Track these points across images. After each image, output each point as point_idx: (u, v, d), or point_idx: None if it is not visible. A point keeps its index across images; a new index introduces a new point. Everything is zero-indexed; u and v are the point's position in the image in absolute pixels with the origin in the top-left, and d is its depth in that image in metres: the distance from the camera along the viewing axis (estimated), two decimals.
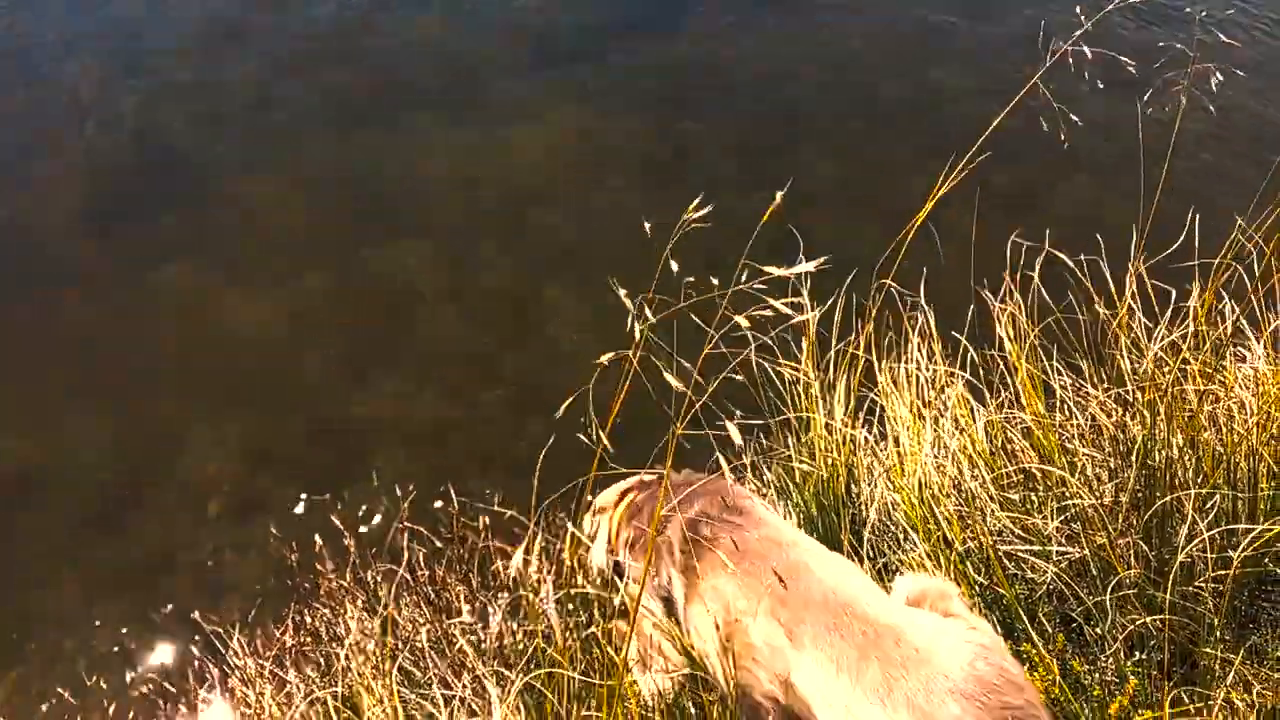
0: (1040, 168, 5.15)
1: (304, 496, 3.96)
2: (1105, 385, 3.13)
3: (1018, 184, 5.06)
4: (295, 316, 4.83)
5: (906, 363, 3.25)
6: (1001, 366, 3.21)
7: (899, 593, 2.58)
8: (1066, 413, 3.12)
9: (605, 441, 2.10)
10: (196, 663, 3.35)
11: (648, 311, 2.05)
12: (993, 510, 2.90)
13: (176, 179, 5.52)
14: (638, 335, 2.01)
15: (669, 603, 2.83)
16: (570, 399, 2.14)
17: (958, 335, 3.22)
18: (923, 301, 3.21)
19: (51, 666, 3.52)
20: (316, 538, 3.33)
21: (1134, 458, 2.77)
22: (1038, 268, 3.10)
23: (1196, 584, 2.52)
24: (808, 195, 5.05)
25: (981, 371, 3.26)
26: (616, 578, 3.12)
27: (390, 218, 5.32)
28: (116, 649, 3.58)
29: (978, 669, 2.16)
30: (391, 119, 5.88)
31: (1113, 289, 3.09)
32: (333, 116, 5.87)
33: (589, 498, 3.30)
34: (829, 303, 3.19)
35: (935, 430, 3.16)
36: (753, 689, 2.38)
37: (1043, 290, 3.10)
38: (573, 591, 3.11)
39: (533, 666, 2.74)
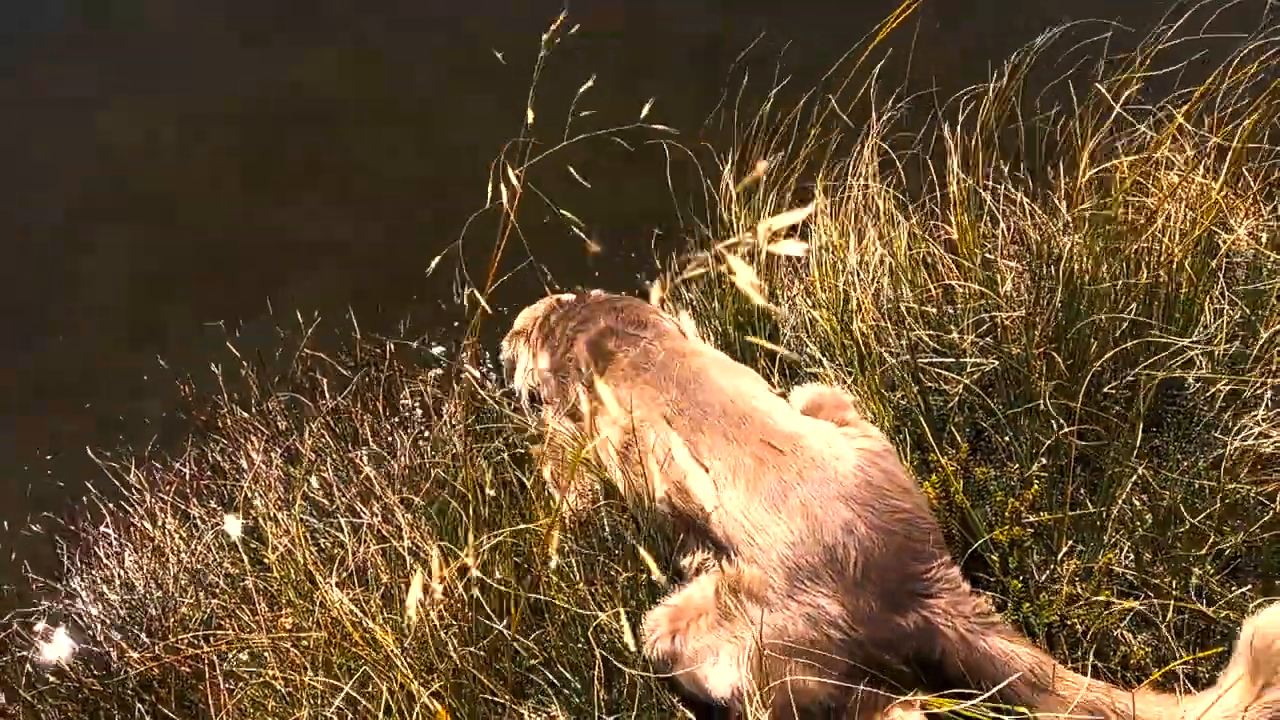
0: None
1: (200, 324, 3.75)
2: (1039, 197, 3.06)
3: None
4: (187, 128, 4.44)
5: (847, 176, 3.13)
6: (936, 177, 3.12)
7: (796, 402, 2.58)
8: (993, 224, 3.04)
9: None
10: (94, 499, 3.21)
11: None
12: (909, 325, 2.86)
13: None
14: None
15: (577, 417, 2.80)
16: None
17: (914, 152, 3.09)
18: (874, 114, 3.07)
19: None
20: (213, 367, 3.16)
21: (1055, 268, 2.72)
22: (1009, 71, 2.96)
23: (1105, 391, 2.53)
24: None
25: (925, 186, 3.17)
26: (533, 401, 3.07)
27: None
28: (5, 485, 3.42)
29: (869, 474, 2.19)
30: None
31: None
32: None
33: (519, 317, 3.20)
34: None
35: (858, 245, 3.08)
36: (650, 495, 2.38)
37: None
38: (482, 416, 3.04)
39: (443, 493, 2.69)
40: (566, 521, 2.71)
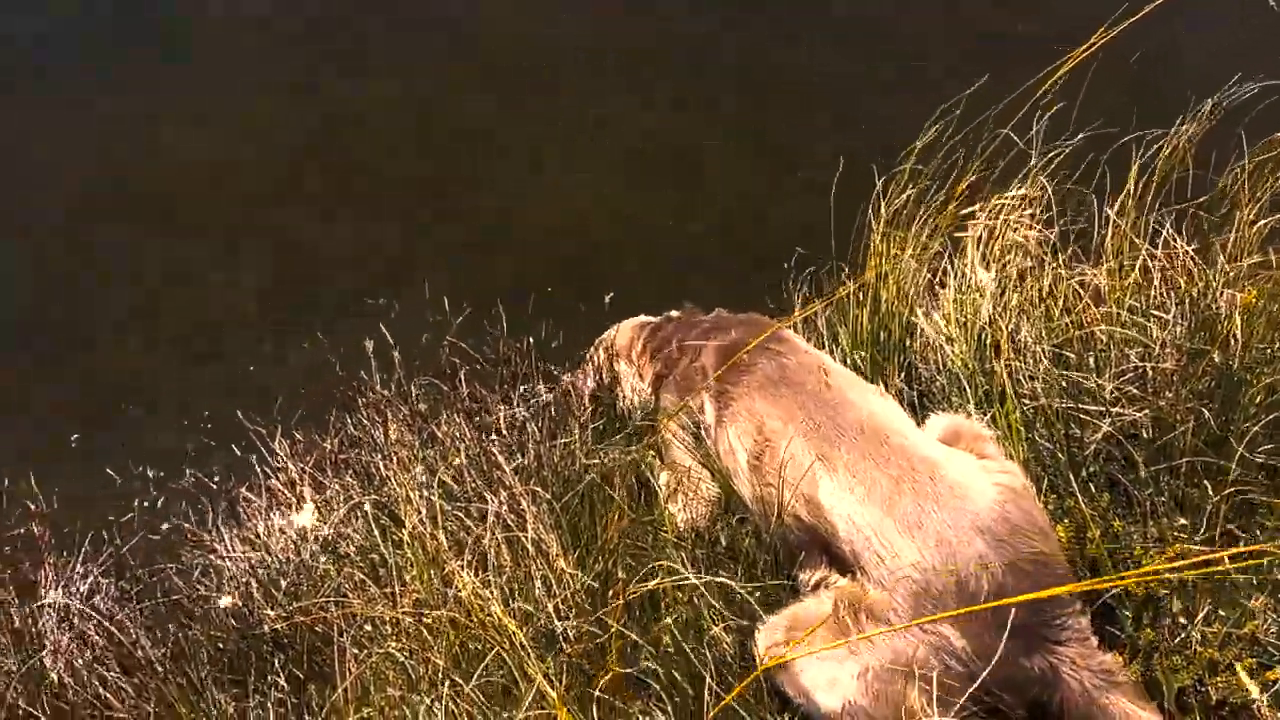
0: None
1: (351, 305, 3.95)
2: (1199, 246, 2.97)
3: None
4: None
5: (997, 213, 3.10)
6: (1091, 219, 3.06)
7: (933, 430, 2.56)
8: (1145, 269, 2.97)
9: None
10: (237, 461, 3.40)
11: None
12: (1049, 367, 2.81)
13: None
14: None
15: (700, 430, 2.83)
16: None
17: (1083, 189, 3.05)
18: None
19: (95, 459, 3.61)
20: (366, 344, 3.32)
21: (1211, 322, 2.64)
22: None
23: (1259, 455, 2.44)
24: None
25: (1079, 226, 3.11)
26: (644, 411, 3.11)
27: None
28: (162, 444, 3.65)
29: (1007, 511, 2.15)
30: None
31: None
32: None
33: (612, 331, 3.27)
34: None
35: (1000, 280, 3.04)
36: (779, 506, 2.39)
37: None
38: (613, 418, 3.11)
39: (566, 488, 2.76)
40: (683, 529, 2.75)
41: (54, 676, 2.60)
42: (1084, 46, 2.53)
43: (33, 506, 2.99)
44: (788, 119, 4.60)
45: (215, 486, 3.35)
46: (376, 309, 3.72)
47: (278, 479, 3.21)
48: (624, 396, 3.18)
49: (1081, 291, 3.00)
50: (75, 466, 3.56)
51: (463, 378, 3.27)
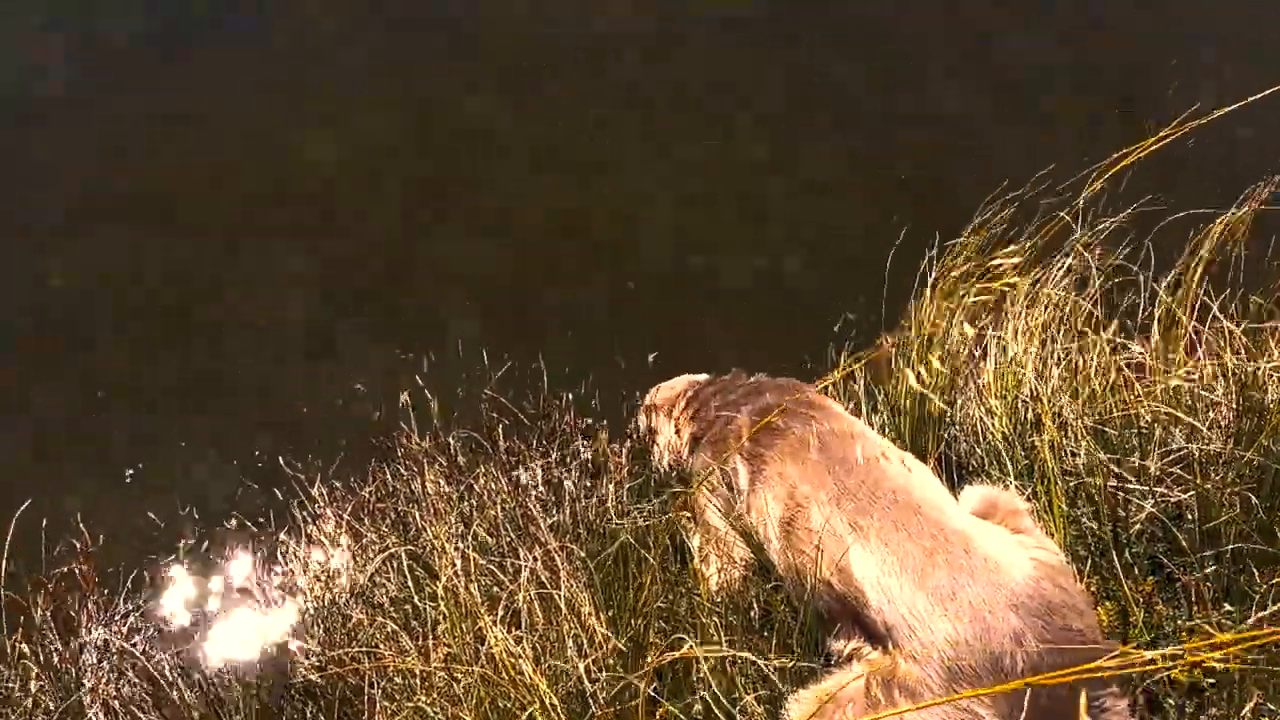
0: None
1: (392, 352, 4.01)
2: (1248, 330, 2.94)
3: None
4: (366, 155, 4.77)
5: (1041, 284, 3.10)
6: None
7: (967, 501, 2.53)
8: (1192, 351, 2.94)
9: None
10: (278, 504, 3.45)
11: None
12: (1090, 445, 2.78)
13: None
14: None
15: (732, 492, 2.82)
16: None
17: (1130, 265, 3.04)
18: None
19: (143, 490, 3.68)
20: (404, 397, 3.36)
21: (1259, 408, 2.60)
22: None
23: None
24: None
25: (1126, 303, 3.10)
26: (679, 471, 3.12)
27: (467, 58, 5.18)
28: (204, 480, 3.72)
29: (1043, 587, 2.12)
30: None
31: None
32: None
33: (653, 391, 3.29)
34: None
35: (1043, 354, 3.03)
36: (809, 572, 2.37)
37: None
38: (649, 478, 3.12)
39: (601, 546, 2.76)
40: (716, 592, 2.73)
41: (91, 717, 2.62)
42: (1156, 137, 2.53)
43: (78, 544, 3.04)
44: (836, 175, 4.64)
45: (256, 529, 3.39)
46: (415, 359, 3.76)
47: (317, 526, 3.25)
48: (660, 453, 3.20)
49: (1126, 368, 2.98)
50: (123, 502, 3.62)
51: (501, 431, 3.30)
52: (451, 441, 3.30)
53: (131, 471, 3.74)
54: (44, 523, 3.01)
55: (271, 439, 3.78)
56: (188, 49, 5.24)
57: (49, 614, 2.85)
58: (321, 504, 3.31)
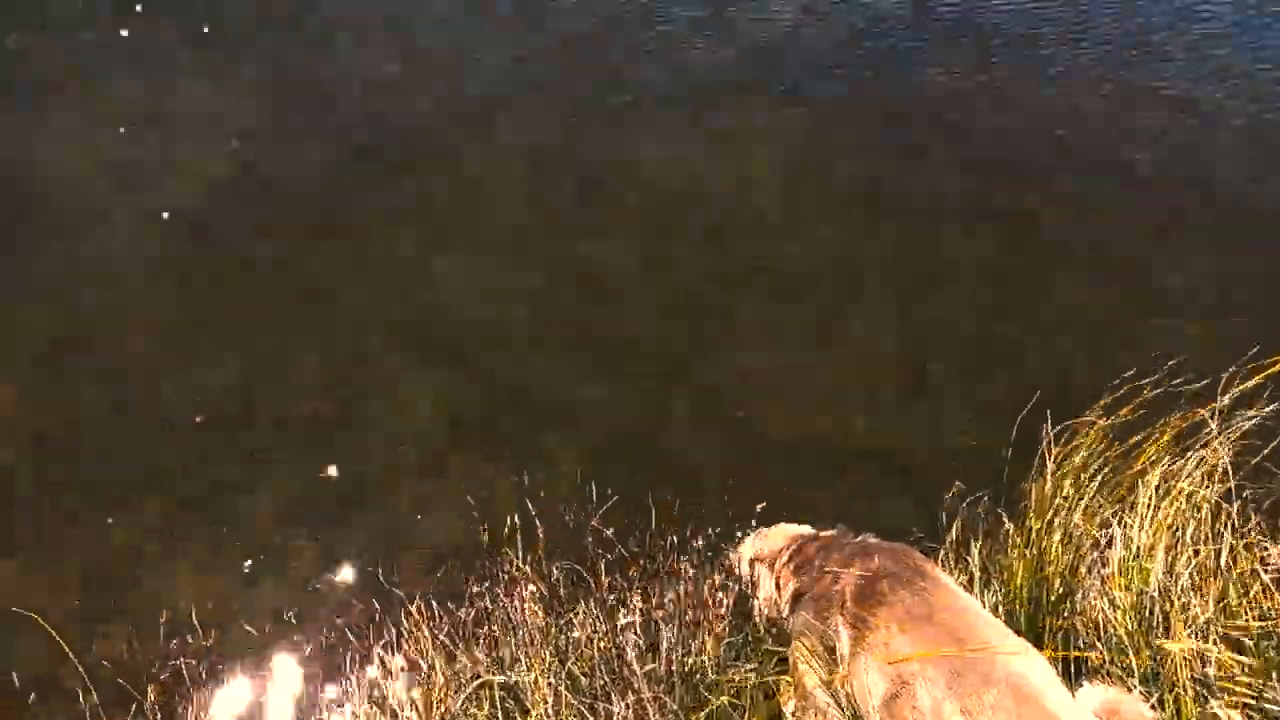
0: None
1: (504, 477, 4.08)
2: None
3: None
4: (496, 289, 4.98)
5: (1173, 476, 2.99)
6: None
7: (1086, 701, 2.38)
8: None
9: None
10: (377, 616, 3.49)
11: None
12: (1224, 652, 2.61)
13: (418, 148, 5.77)
14: None
15: (833, 657, 2.73)
16: None
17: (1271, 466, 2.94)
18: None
19: (243, 586, 3.77)
20: (513, 519, 3.40)
21: None
22: None
23: None
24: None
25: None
26: (778, 627, 3.05)
27: (602, 207, 5.42)
28: (308, 582, 3.80)
29: None
30: (618, 115, 5.97)
31: None
32: (563, 106, 6.03)
33: (755, 540, 3.25)
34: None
35: (1172, 550, 2.90)
36: None
37: None
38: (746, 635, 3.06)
39: (694, 699, 2.70)
40: None
41: None
42: None
43: (190, 639, 3.13)
44: (955, 348, 4.64)
45: (354, 642, 3.43)
46: (526, 486, 3.82)
47: (411, 645, 3.27)
48: (760, 607, 3.13)
49: (1263, 572, 2.83)
50: (238, 591, 3.72)
51: (603, 565, 3.30)
52: (554, 570, 3.31)
53: (249, 564, 3.85)
54: (163, 615, 3.11)
55: (377, 549, 3.85)
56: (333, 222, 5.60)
57: (156, 704, 2.92)
58: (418, 620, 3.34)
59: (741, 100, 6.07)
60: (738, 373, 4.57)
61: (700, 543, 3.50)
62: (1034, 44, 6.42)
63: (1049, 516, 2.99)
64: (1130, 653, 2.70)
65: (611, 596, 3.18)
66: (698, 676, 2.81)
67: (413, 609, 3.42)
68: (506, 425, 4.35)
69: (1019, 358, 4.54)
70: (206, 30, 6.52)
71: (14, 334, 4.67)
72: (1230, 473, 3.01)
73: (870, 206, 5.42)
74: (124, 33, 6.45)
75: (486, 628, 3.27)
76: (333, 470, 4.22)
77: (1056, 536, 3.00)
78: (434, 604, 3.48)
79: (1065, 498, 2.99)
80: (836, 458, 4.16)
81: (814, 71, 6.33)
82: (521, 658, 2.95)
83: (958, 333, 4.70)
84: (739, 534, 3.47)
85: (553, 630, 3.05)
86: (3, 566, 3.80)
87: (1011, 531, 3.08)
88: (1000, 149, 5.70)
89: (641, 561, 3.30)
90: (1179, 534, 2.97)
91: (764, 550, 3.21)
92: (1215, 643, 2.64)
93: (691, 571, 3.37)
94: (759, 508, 3.46)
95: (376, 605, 3.54)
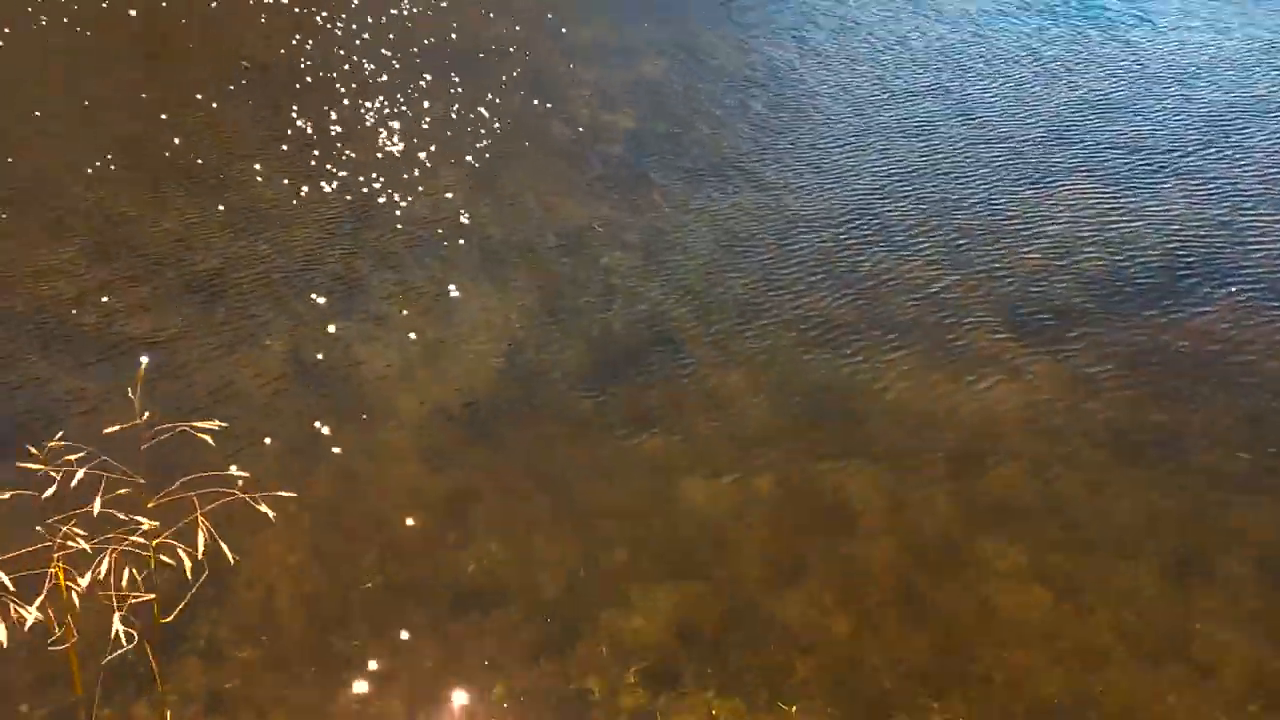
0: None
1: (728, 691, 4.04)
2: None
3: None
4: (738, 507, 5.09)
5: None
6: None
7: None
8: None
9: None
10: None
11: None
12: None
13: (667, 359, 6.13)
14: None
15: None
16: None
17: None
18: None
19: None
20: None
21: None
22: None
23: None
24: None
25: None
26: None
27: (844, 435, 5.53)
28: None
29: None
30: (847, 346, 6.17)
31: None
32: (811, 337, 6.26)
33: None
34: None
35: None
36: None
37: None
38: None
39: None
40: None
41: None
42: None
43: None
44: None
45: None
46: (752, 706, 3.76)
47: None
48: None
49: None
50: None
51: None
52: None
53: None
54: None
55: None
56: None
57: None
58: None
59: (988, 336, 6.13)
60: (975, 614, 4.44)
61: None
62: None
63: None
64: None
65: None
66: None
67: None
68: (734, 643, 4.36)
69: None
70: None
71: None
72: None
73: (1129, 456, 5.32)
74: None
75: None
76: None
77: None
78: None
79: None
80: None
81: (1061, 310, 6.36)
82: None
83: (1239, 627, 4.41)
84: None
85: None
86: None
87: None
88: None
89: None
90: None
91: None
92: None
93: None
94: None
95: None
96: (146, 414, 3.98)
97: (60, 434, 3.84)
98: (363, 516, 5.04)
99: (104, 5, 10.89)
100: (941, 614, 4.46)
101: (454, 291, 6.72)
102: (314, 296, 6.66)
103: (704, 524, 5.00)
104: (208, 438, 3.97)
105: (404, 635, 4.42)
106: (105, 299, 6.58)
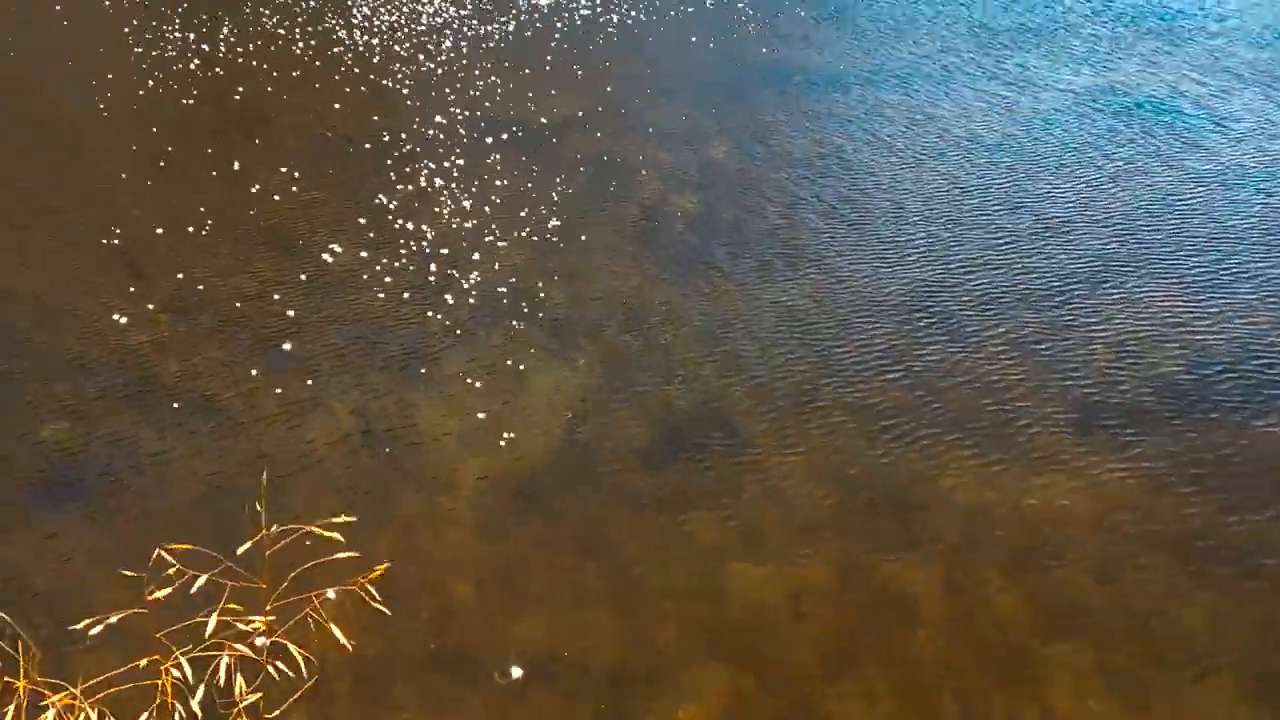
0: None
1: None
2: None
3: None
4: (791, 594, 5.02)
5: None
6: None
7: None
8: None
9: None
10: None
11: None
12: None
13: (726, 441, 6.12)
14: None
15: None
16: None
17: None
18: None
19: None
20: None
21: None
22: None
23: None
24: None
25: None
26: None
27: (903, 527, 5.42)
28: None
29: None
30: (908, 436, 6.12)
31: None
32: (872, 426, 6.22)
33: None
34: None
35: None
36: None
37: None
38: None
39: None
40: None
41: None
42: None
43: None
44: None
45: None
46: None
47: None
48: None
49: None
50: None
51: None
52: None
53: None
54: None
55: None
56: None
57: None
58: None
59: (1053, 434, 6.04)
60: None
61: None
62: None
63: None
64: None
65: None
66: None
67: None
68: None
69: None
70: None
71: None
72: None
73: (1197, 560, 5.17)
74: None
75: None
76: None
77: None
78: None
79: None
80: None
81: (1131, 410, 6.25)
82: None
83: None
84: None
85: None
86: None
87: None
88: None
89: None
90: None
91: None
92: None
93: None
94: None
95: None
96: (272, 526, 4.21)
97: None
98: (417, 583, 5.09)
99: (203, 74, 11.49)
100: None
101: (519, 365, 6.83)
102: (383, 365, 6.82)
103: (756, 609, 4.95)
104: (337, 534, 4.18)
105: (450, 708, 4.41)
106: (183, 357, 6.84)
